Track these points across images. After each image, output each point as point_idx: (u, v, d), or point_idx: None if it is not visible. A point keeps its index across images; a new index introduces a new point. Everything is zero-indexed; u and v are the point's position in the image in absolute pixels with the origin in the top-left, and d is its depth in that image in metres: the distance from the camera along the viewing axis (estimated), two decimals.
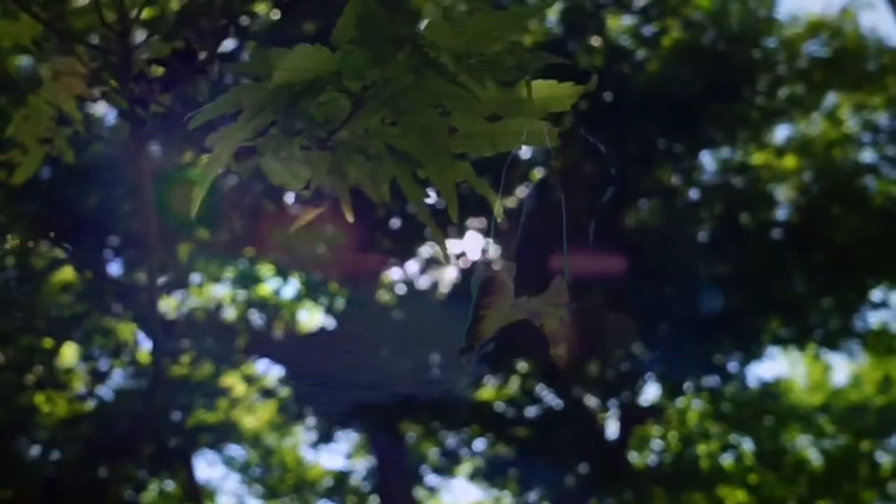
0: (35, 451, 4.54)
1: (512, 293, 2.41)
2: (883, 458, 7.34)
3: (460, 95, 1.00)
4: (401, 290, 6.29)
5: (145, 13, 1.45)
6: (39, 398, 4.63)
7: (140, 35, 1.54)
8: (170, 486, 6.71)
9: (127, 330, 5.18)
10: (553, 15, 6.01)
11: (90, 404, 4.95)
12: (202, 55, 1.46)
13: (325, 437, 6.88)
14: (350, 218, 1.21)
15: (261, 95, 1.03)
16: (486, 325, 2.42)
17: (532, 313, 2.52)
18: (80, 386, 5.03)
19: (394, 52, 0.97)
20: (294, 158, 1.16)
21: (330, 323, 6.14)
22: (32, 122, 1.52)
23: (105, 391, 5.12)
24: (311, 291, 6.04)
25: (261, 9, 4.34)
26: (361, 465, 7.54)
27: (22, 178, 1.67)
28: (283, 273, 5.81)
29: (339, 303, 5.92)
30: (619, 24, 6.29)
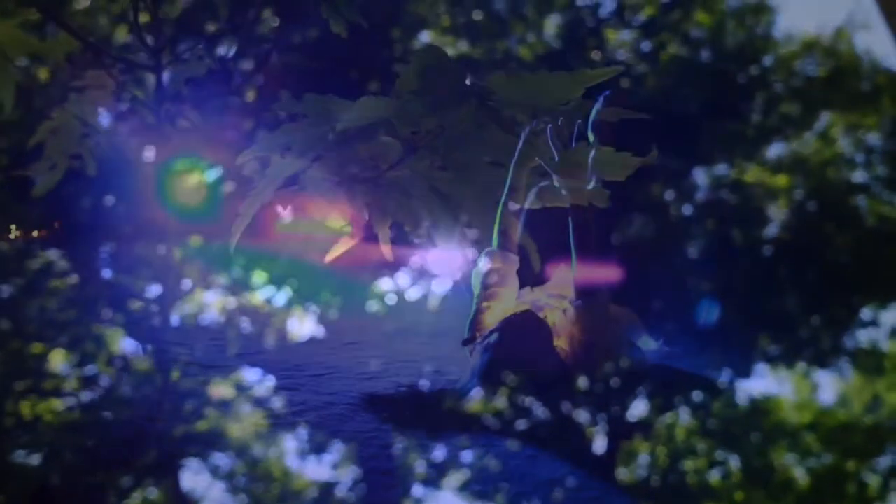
0: (27, 458, 4.48)
1: (516, 284, 2.40)
2: (870, 478, 7.34)
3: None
4: (391, 299, 6.27)
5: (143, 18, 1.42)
6: (29, 405, 4.56)
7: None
8: (153, 493, 6.64)
9: (117, 337, 5.13)
10: (552, 29, 6.02)
11: (83, 412, 4.89)
12: (237, 77, 1.44)
13: (316, 447, 6.82)
14: (388, 256, 1.19)
15: (312, 135, 1.02)
16: (489, 317, 2.41)
17: (535, 305, 2.50)
18: (71, 393, 4.97)
19: (458, 102, 0.96)
20: (336, 193, 1.15)
21: (321, 332, 6.10)
22: (61, 136, 1.50)
23: (98, 399, 5.05)
24: (303, 300, 6.00)
25: (265, 14, 4.32)
26: (347, 476, 7.49)
27: (43, 190, 1.64)
28: (275, 281, 5.77)
29: (332, 312, 5.88)
30: (618, 38, 6.30)
